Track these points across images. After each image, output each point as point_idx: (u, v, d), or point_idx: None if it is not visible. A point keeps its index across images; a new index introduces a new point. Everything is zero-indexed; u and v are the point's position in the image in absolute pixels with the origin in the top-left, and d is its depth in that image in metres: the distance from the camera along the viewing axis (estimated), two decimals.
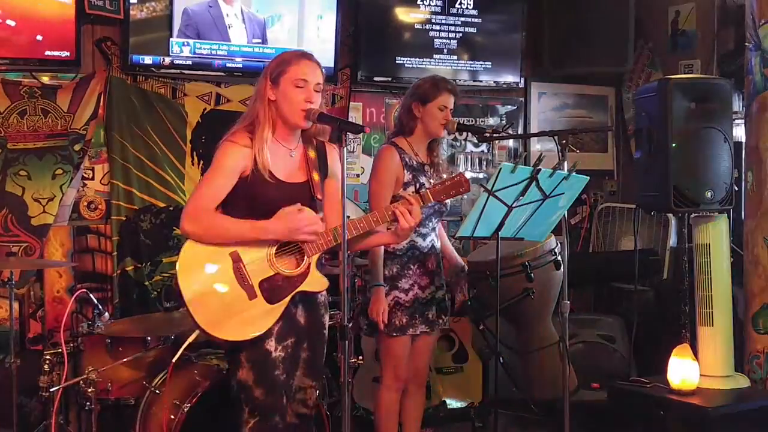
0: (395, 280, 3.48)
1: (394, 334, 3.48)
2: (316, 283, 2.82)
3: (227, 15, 4.43)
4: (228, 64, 4.48)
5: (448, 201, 3.51)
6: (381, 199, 3.40)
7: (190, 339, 2.90)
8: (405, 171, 3.48)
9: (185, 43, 4.34)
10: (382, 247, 3.41)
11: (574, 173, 3.28)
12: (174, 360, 3.12)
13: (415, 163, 3.54)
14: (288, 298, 2.76)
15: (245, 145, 2.74)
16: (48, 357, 3.58)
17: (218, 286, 2.70)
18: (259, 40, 4.54)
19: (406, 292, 3.49)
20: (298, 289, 2.78)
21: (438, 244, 3.63)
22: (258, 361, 2.75)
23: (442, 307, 3.63)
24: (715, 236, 3.90)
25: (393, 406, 3.60)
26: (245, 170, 2.74)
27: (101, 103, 4.31)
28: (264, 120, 2.77)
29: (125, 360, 3.57)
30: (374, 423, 3.67)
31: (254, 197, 2.75)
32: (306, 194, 2.84)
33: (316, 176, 2.86)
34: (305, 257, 2.77)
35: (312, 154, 2.89)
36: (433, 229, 3.60)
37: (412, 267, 3.51)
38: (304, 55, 2.85)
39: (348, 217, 2.70)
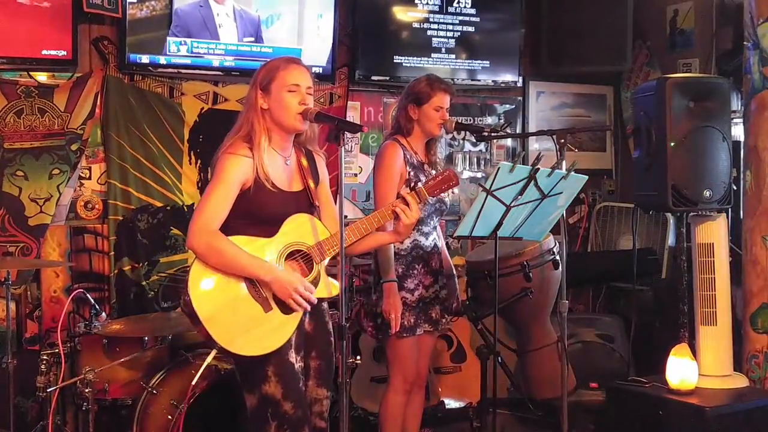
0: (401, 281, 3.46)
1: (404, 335, 3.46)
2: (326, 288, 2.80)
3: (218, 14, 4.39)
4: (225, 63, 4.46)
5: (447, 200, 3.54)
6: (387, 197, 3.37)
7: (208, 359, 2.87)
8: (408, 168, 3.48)
9: (182, 42, 4.33)
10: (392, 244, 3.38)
11: (572, 172, 3.27)
12: (193, 382, 3.10)
13: (415, 161, 3.53)
14: None
15: (245, 155, 2.70)
16: (45, 357, 3.58)
17: (233, 301, 2.66)
18: (252, 39, 4.50)
19: (412, 292, 3.48)
20: None
21: (440, 243, 3.62)
22: (285, 374, 2.70)
23: (446, 306, 3.62)
24: (715, 236, 3.89)
25: (399, 408, 3.57)
26: (247, 181, 2.70)
27: (98, 103, 4.30)
28: (259, 129, 2.74)
29: (122, 360, 3.56)
30: (378, 424, 3.65)
31: (257, 207, 2.71)
32: (305, 202, 2.83)
33: (311, 183, 2.85)
34: (313, 264, 2.75)
35: (305, 162, 2.87)
36: (435, 227, 3.59)
37: (416, 266, 3.50)
38: (293, 60, 2.83)
39: (346, 216, 2.69)
